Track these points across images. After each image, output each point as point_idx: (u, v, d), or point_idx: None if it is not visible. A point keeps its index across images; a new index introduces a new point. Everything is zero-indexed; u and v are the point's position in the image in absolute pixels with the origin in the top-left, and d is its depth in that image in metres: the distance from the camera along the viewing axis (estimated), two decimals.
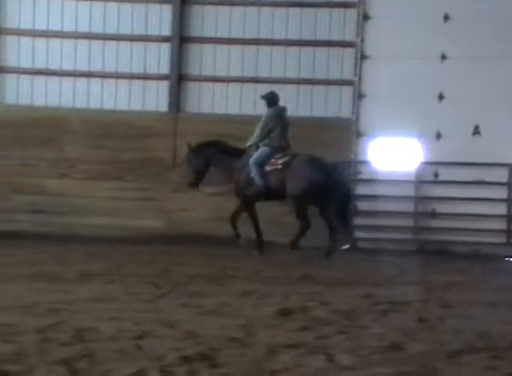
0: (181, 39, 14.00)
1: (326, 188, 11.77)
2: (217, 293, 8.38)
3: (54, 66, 14.07)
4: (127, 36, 14.04)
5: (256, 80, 14.12)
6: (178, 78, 14.07)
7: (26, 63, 14.09)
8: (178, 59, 14.04)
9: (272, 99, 12.35)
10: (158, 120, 14.05)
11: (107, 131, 13.77)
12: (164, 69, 14.11)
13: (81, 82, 14.10)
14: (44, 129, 13.80)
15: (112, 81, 14.10)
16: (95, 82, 14.08)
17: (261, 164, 12.04)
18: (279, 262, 11.53)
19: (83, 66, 14.08)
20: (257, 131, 12.25)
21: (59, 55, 14.06)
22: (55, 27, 14.03)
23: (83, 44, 14.05)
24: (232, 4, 14.10)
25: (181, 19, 13.96)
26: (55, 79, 14.10)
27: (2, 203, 13.66)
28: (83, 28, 14.02)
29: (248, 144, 12.36)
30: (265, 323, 6.58)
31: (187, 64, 14.15)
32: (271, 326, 6.43)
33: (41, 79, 14.12)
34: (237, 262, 11.41)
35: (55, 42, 14.05)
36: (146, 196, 13.89)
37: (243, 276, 9.88)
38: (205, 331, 6.19)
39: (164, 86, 14.08)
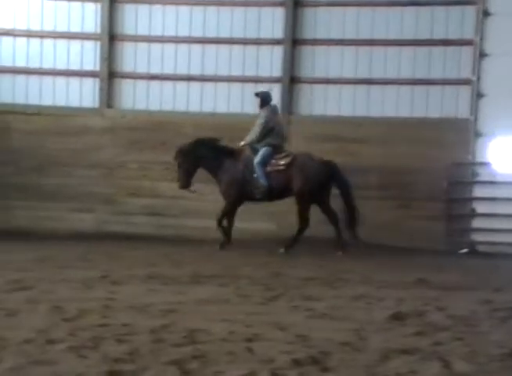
0: (293, 41, 13.98)
1: (330, 185, 12.17)
2: (329, 296, 8.29)
3: (168, 70, 14.30)
4: (240, 39, 14.13)
5: (370, 81, 13.96)
6: (290, 81, 14.06)
7: (142, 69, 14.37)
8: (291, 62, 14.03)
9: (267, 98, 12.42)
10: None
11: (220, 135, 13.86)
12: (277, 72, 14.13)
13: (194, 86, 14.28)
14: (159, 133, 14.04)
15: (225, 84, 14.21)
16: (209, 86, 14.23)
17: (265, 165, 12.07)
18: (393, 265, 11.33)
19: (196, 71, 14.25)
20: (257, 130, 12.22)
21: (174, 60, 14.28)
22: (170, 32, 14.26)
23: (196, 48, 14.23)
24: (345, 5, 13.99)
25: (293, 22, 13.95)
26: (169, 84, 14.32)
27: (120, 206, 13.96)
28: (196, 33, 14.20)
29: (242, 144, 12.37)
30: (377, 327, 6.45)
31: (299, 67, 14.13)
32: (384, 330, 6.30)
33: (156, 84, 14.37)
34: (349, 265, 11.28)
35: (169, 47, 14.28)
36: None
37: (356, 279, 9.74)
38: (316, 335, 6.12)
39: (276, 89, 14.08)
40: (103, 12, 14.20)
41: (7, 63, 14.39)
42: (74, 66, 14.48)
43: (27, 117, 14.28)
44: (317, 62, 14.11)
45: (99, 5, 14.23)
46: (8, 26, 14.33)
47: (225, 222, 12.48)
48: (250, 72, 14.20)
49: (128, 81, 14.45)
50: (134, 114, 14.34)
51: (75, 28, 14.37)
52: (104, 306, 7.69)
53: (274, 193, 12.19)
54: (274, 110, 12.51)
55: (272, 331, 6.36)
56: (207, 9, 14.15)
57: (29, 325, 6.73)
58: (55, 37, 14.37)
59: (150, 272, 9.98)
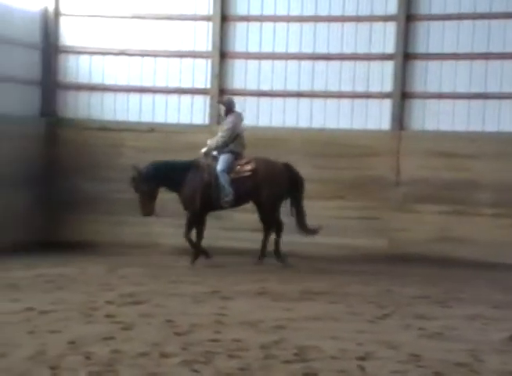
0: (405, 56, 13.85)
1: (297, 189, 12.32)
2: (442, 315, 8.16)
3: (278, 87, 14.39)
4: (350, 55, 14.09)
5: (485, 96, 13.66)
6: (402, 96, 13.91)
7: (252, 86, 14.50)
8: (402, 77, 13.88)
9: (232, 105, 12.39)
10: (380, 138, 13.96)
11: (329, 150, 13.86)
12: (387, 87, 14.00)
13: (304, 102, 14.31)
14: (268, 149, 14.08)
15: (334, 100, 14.19)
16: (318, 102, 14.23)
17: (228, 172, 11.91)
18: (507, 285, 11.03)
19: (305, 87, 14.28)
20: (223, 136, 12.09)
21: (284, 76, 14.36)
22: (281, 49, 14.35)
23: (306, 64, 14.26)
24: (460, 18, 13.75)
25: (405, 36, 13.82)
26: (279, 100, 14.41)
27: (227, 221, 14.08)
28: (307, 49, 14.23)
29: (205, 150, 12.19)
30: (494, 348, 6.31)
31: (411, 81, 13.96)
32: (501, 352, 6.15)
33: (265, 100, 14.48)
34: (462, 283, 11.05)
35: (279, 64, 14.36)
36: (367, 215, 13.81)
37: (469, 298, 9.54)
38: (429, 355, 6.04)
39: (386, 104, 13.97)
40: (215, 30, 14.40)
41: (122, 82, 14.76)
42: (186, 83, 14.73)
43: (139, 134, 14.59)
44: (429, 76, 13.89)
45: (210, 24, 14.45)
46: (123, 46, 14.71)
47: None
48: (360, 87, 14.12)
49: (238, 97, 14.56)
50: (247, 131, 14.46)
51: (187, 47, 14.62)
52: (215, 321, 7.79)
53: (240, 201, 12.17)
54: (240, 117, 12.49)
55: (384, 350, 6.30)
56: (317, 25, 14.17)
57: (143, 338, 6.89)
58: (168, 56, 14.67)
59: (260, 287, 10.05)
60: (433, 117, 13.86)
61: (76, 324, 7.50)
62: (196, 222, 12.27)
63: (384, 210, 13.74)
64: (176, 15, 14.58)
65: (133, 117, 14.80)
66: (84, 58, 14.84)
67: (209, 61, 14.52)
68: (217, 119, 14.05)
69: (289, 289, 9.99)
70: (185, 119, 14.74)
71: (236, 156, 12.17)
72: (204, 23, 14.51)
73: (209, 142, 12.24)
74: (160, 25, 14.67)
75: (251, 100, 14.47)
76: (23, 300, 8.73)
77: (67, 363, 5.94)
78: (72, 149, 14.42)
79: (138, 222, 13.72)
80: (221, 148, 12.09)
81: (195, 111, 14.70)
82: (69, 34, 14.79)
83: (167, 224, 14.04)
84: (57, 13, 14.65)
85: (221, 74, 14.45)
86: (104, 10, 14.73)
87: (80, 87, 14.82)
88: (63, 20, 14.74)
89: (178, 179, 12.02)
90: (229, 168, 11.98)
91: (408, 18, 13.82)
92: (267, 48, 14.39)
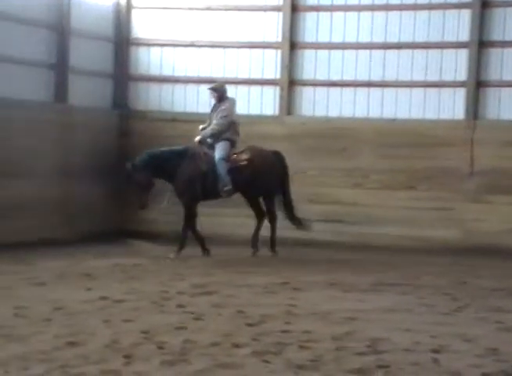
0: (480, 44, 13.55)
1: (285, 178, 12.23)
2: None
3: (349, 77, 14.26)
4: (422, 43, 13.86)
5: None
6: (476, 85, 13.63)
7: (322, 76, 14.40)
8: (477, 65, 13.59)
9: (225, 91, 12.02)
10: (454, 128, 13.72)
11: (401, 141, 13.68)
12: (461, 76, 13.74)
13: (375, 92, 14.14)
14: (338, 140, 14.02)
15: (406, 90, 13.99)
16: (389, 92, 14.06)
17: (226, 161, 11.57)
18: None
19: (376, 76, 14.11)
20: (221, 123, 11.69)
21: (354, 66, 14.22)
22: (351, 38, 14.20)
23: (377, 54, 14.10)
24: None
25: (480, 23, 13.51)
26: (349, 90, 14.28)
27: (299, 212, 13.99)
28: (378, 38, 14.06)
29: (199, 138, 11.77)
30: None
31: (486, 70, 13.66)
32: None
33: (336, 91, 14.36)
34: None
35: (350, 54, 14.22)
36: (440, 206, 13.59)
37: None
38: (508, 348, 5.89)
39: (460, 93, 13.71)
40: (285, 21, 14.33)
41: (192, 73, 14.82)
42: (256, 74, 14.72)
43: None
44: (505, 64, 13.58)
45: (280, 14, 14.39)
46: (193, 38, 14.77)
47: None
48: (432, 77, 13.89)
49: (308, 88, 14.51)
50: (313, 121, 14.38)
51: (257, 37, 14.60)
52: (286, 312, 7.76)
53: (237, 190, 11.86)
54: (234, 103, 12.12)
55: (459, 343, 6.18)
56: (388, 14, 13.98)
57: (215, 329, 6.90)
58: (237, 47, 14.67)
59: (330, 278, 9.99)
60: (508, 107, 13.55)
61: (148, 314, 7.56)
62: (194, 212, 11.93)
63: (457, 201, 13.51)
64: (246, 5, 14.58)
65: (203, 109, 14.81)
66: (155, 50, 14.96)
67: (279, 52, 14.47)
68: (286, 109, 14.04)
69: (360, 280, 9.90)
70: (254, 110, 14.73)
71: (232, 144, 11.83)
72: (274, 13, 14.47)
73: (207, 129, 11.82)
74: (230, 16, 14.68)
75: (321, 91, 14.39)
76: (97, 289, 8.85)
77: (141, 352, 5.97)
78: (143, 140, 14.50)
79: (209, 212, 13.78)
80: (218, 136, 11.69)
81: (265, 102, 14.68)
82: (140, 27, 14.93)
83: (238, 214, 14.06)
84: (129, 6, 14.80)
85: (290, 64, 14.39)
86: (175, 2, 14.82)
87: (151, 79, 14.95)
88: (134, 13, 14.88)
89: (173, 168, 11.61)
90: (227, 157, 11.64)
91: (483, 4, 13.51)
92: (337, 38, 14.27)
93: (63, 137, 13.27)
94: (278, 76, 14.52)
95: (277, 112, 14.57)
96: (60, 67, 13.43)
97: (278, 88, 14.52)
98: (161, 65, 14.99)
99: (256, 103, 14.74)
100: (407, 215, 13.40)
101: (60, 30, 13.38)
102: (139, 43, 14.96)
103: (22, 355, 5.76)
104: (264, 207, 12.28)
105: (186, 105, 14.93)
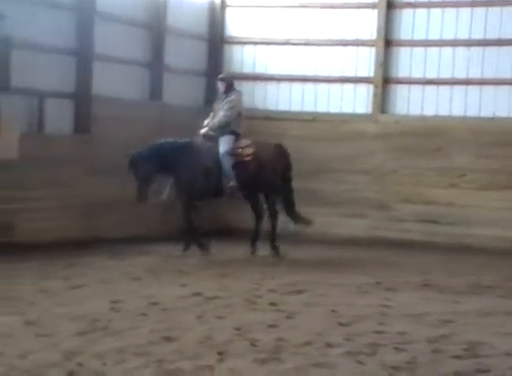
0: None
1: (288, 172, 11.70)
2: None
3: (445, 75, 13.99)
4: (508, 41, 13.47)
5: None
6: None
7: (417, 73, 14.19)
8: None
9: (233, 83, 11.47)
10: None
11: (499, 140, 13.34)
12: None
13: (472, 90, 13.84)
14: (433, 139, 13.78)
15: (506, 87, 13.61)
16: (488, 90, 13.72)
17: (230, 155, 11.00)
18: None
19: (475, 74, 13.79)
20: (227, 115, 11.14)
21: (451, 63, 13.94)
22: (449, 35, 13.93)
23: (476, 51, 13.75)
24: None
25: None
26: (446, 88, 14.02)
27: (392, 212, 13.88)
28: (477, 35, 13.72)
29: (204, 131, 11.24)
30: None
31: None
32: None
33: (432, 89, 14.12)
34: None
35: (447, 51, 13.95)
36: None
37: None
38: None
39: None
40: (380, 18, 14.17)
41: (285, 71, 14.81)
42: (349, 72, 14.61)
43: (302, 123, 14.60)
44: None
45: (375, 11, 14.24)
46: (287, 36, 14.76)
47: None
48: None
49: (403, 86, 14.31)
50: (407, 120, 14.18)
51: (351, 35, 14.49)
52: (379, 313, 7.67)
53: (242, 186, 11.13)
54: (241, 96, 11.57)
55: None
56: (488, 10, 13.65)
57: (307, 327, 6.87)
58: (331, 45, 14.59)
59: (424, 280, 9.84)
60: None
61: (241, 311, 7.61)
62: (191, 209, 11.29)
63: None
64: (340, 3, 14.49)
65: (296, 107, 14.84)
66: (248, 48, 15.03)
67: (373, 49, 14.33)
68: (380, 108, 13.88)
69: (455, 282, 9.71)
70: (347, 108, 14.64)
71: (236, 137, 11.25)
72: (369, 10, 14.34)
73: (214, 121, 11.28)
74: (324, 14, 14.63)
75: (416, 89, 14.19)
76: (191, 285, 8.96)
77: (234, 349, 6.02)
78: None
79: (300, 210, 13.76)
80: (224, 128, 11.14)
81: (358, 100, 14.56)
82: (234, 25, 15.02)
83: (333, 214, 14.03)
84: (223, 5, 14.91)
85: (385, 62, 14.23)
86: (269, 0, 14.83)
87: (244, 77, 14.98)
88: (229, 11, 14.98)
89: (175, 162, 11.03)
90: (231, 150, 11.08)
91: None
92: (434, 35, 14.02)
93: (158, 135, 13.42)
94: (372, 74, 14.38)
95: (370, 110, 14.42)
96: (155, 66, 13.62)
97: (371, 86, 14.38)
98: (254, 63, 15.04)
99: (349, 101, 14.64)
100: (504, 216, 13.07)
101: (156, 29, 13.57)
102: (233, 41, 15.05)
103: (118, 348, 5.88)
104: (264, 205, 11.73)
105: (279, 103, 14.94)
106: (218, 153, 11.02)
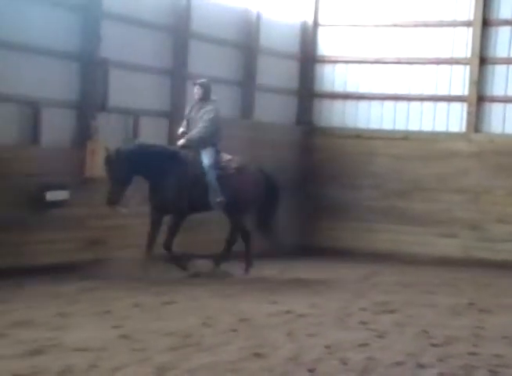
0: None
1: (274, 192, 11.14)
2: None
3: None
4: None
5: None
6: None
7: None
8: None
9: (210, 91, 10.46)
10: None
11: None
12: None
13: None
14: None
15: None
16: None
17: (215, 169, 10.26)
18: None
19: None
20: (206, 127, 10.23)
21: None
22: None
23: None
24: None
25: None
26: None
27: (486, 232, 13.64)
28: None
29: (182, 142, 10.33)
30: None
31: None
32: None
33: None
34: None
35: None
36: None
37: None
38: None
39: None
40: (475, 36, 13.98)
41: (376, 90, 14.75)
42: (442, 91, 14.45)
43: (393, 142, 14.51)
44: None
45: (470, 29, 14.05)
46: (378, 54, 14.71)
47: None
48: None
49: (498, 104, 14.08)
50: (503, 139, 13.93)
51: (444, 53, 14.34)
52: (473, 334, 7.54)
53: (228, 203, 10.34)
54: (218, 104, 10.62)
55: None
56: None
57: (398, 348, 6.80)
58: (424, 63, 14.47)
59: None
60: None
61: (331, 329, 7.58)
62: (180, 225, 10.38)
63: None
64: (434, 21, 14.39)
65: (387, 125, 14.76)
66: (340, 67, 15.04)
67: (467, 67, 14.16)
68: (474, 126, 13.68)
69: None
70: (440, 127, 14.49)
71: (218, 150, 10.49)
72: (464, 28, 14.17)
73: (192, 133, 10.38)
74: (417, 32, 14.53)
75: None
76: (281, 303, 8.95)
77: (324, 367, 5.99)
78: (326, 156, 14.63)
79: (391, 229, 13.70)
80: (205, 140, 10.28)
81: (451, 118, 14.40)
82: (326, 44, 15.05)
83: (425, 233, 13.89)
84: (316, 24, 14.95)
85: (479, 80, 14.02)
86: (361, 20, 14.82)
87: (335, 96, 15.02)
88: (320, 31, 15.03)
89: (159, 171, 10.12)
90: (216, 164, 10.35)
91: None
92: None
93: (250, 152, 13.54)
94: (466, 92, 14.20)
95: (464, 129, 14.23)
96: (247, 85, 13.77)
97: (465, 105, 14.20)
98: (346, 82, 15.03)
99: (442, 120, 14.49)
100: None
101: (249, 49, 13.73)
102: (324, 60, 15.08)
103: (209, 364, 5.92)
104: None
105: (370, 121, 14.87)
106: (202, 165, 10.30)
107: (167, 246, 10.24)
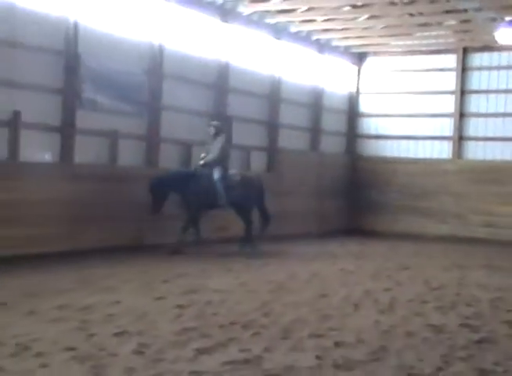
0: None
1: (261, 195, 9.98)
2: None
3: None
4: None
5: None
6: None
7: None
8: None
9: (221, 128, 9.62)
10: None
11: None
12: None
13: None
14: None
15: None
16: None
17: (222, 180, 9.35)
18: None
19: None
20: (217, 153, 9.34)
21: None
22: None
23: None
24: None
25: None
26: None
27: (465, 220, 13.19)
28: None
29: (202, 162, 9.44)
30: None
31: None
32: None
33: None
34: None
35: None
36: None
37: None
38: None
39: None
40: (456, 99, 13.51)
41: (396, 132, 14.44)
42: (436, 132, 13.94)
43: (407, 164, 13.94)
44: None
45: (453, 96, 13.55)
46: (397, 111, 14.38)
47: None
48: None
49: (471, 142, 13.56)
50: (475, 163, 13.43)
51: (438, 110, 13.91)
52: (457, 283, 7.32)
53: (232, 202, 9.46)
54: (228, 139, 9.99)
55: None
56: None
57: (410, 291, 6.66)
58: (426, 116, 14.06)
59: None
60: None
61: (368, 281, 7.51)
62: (195, 218, 9.48)
63: None
64: (431, 90, 13.88)
65: (403, 154, 14.29)
66: (373, 119, 14.73)
67: (452, 119, 13.62)
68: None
69: None
70: (436, 155, 13.97)
71: (226, 168, 9.59)
72: (448, 95, 13.63)
73: (208, 157, 9.48)
74: (421, 97, 14.05)
75: None
76: (337, 264, 8.84)
77: (364, 303, 6.01)
78: (365, 173, 14.50)
79: (407, 218, 13.44)
80: (216, 161, 9.42)
81: (443, 150, 13.80)
82: (364, 104, 14.83)
83: (425, 221, 13.57)
84: (358, 93, 14.80)
85: (460, 127, 13.52)
86: (385, 88, 14.45)
87: (370, 136, 14.83)
88: (362, 96, 14.83)
89: (184, 185, 9.27)
90: (223, 177, 9.45)
91: None
92: None
93: (318, 171, 13.57)
94: (451, 134, 13.64)
95: (451, 156, 13.71)
96: (315, 129, 13.70)
97: (451, 142, 13.63)
98: (377, 127, 14.74)
99: (437, 151, 13.90)
100: None
101: (318, 107, 13.60)
102: (363, 115, 14.90)
103: (294, 301, 5.98)
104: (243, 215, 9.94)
105: (392, 152, 14.44)
106: (213, 178, 9.43)
107: (184, 229, 9.27)
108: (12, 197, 7.57)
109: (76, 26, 8.47)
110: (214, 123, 9.72)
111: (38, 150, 8.30)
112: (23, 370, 3.55)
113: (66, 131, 8.51)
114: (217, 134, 9.60)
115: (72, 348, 4.00)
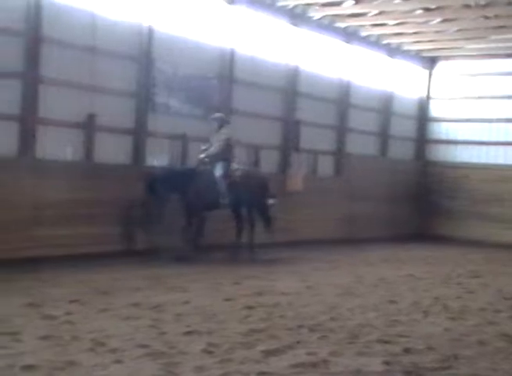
0: None
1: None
2: None
3: None
4: None
5: None
6: None
7: None
8: None
9: (223, 122, 8.73)
10: None
11: None
12: None
13: None
14: None
15: None
16: None
17: (224, 177, 8.50)
18: None
19: None
20: (220, 145, 8.52)
21: None
22: None
23: None
24: None
25: None
26: None
27: None
28: None
29: (203, 156, 8.56)
30: None
31: None
32: None
33: None
34: None
35: None
36: None
37: None
38: None
39: None
40: None
41: (467, 138, 13.98)
42: (509, 138, 13.41)
43: (477, 170, 13.58)
44: None
45: None
46: (467, 115, 13.89)
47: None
48: None
49: None
50: None
51: (505, 115, 13.35)
52: None
53: (232, 201, 8.61)
54: (230, 131, 8.90)
55: None
56: None
57: (482, 300, 6.46)
58: (498, 122, 13.55)
59: None
60: None
61: (438, 287, 7.37)
62: (196, 220, 8.68)
63: None
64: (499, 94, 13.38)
65: (474, 160, 13.88)
66: (443, 124, 14.33)
67: None
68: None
69: None
70: (506, 161, 13.37)
71: (229, 163, 8.75)
72: None
73: (210, 150, 8.67)
74: (493, 101, 13.57)
75: None
76: (406, 269, 8.71)
77: (433, 310, 5.88)
78: (435, 179, 14.15)
79: (478, 224, 12.97)
80: (218, 155, 8.62)
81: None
82: (435, 110, 14.44)
83: (495, 227, 13.03)
84: (428, 97, 14.45)
85: None
86: (455, 93, 14.04)
87: (441, 141, 14.45)
88: (432, 101, 14.46)
89: (185, 185, 8.44)
90: (226, 174, 8.63)
91: None
92: None
93: (387, 177, 13.34)
94: None
95: None
96: (385, 135, 13.48)
97: None
98: (448, 133, 14.35)
99: (507, 157, 13.40)
100: None
101: (387, 113, 13.32)
102: (434, 120, 14.51)
103: (361, 305, 5.90)
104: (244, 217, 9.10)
105: (462, 158, 14.02)
106: (214, 176, 8.63)
107: (185, 234, 8.53)
108: (89, 195, 7.78)
109: (150, 32, 8.64)
110: (217, 115, 8.91)
111: (111, 152, 8.37)
112: (98, 365, 3.63)
113: (138, 133, 8.66)
114: (220, 126, 8.80)
115: (145, 346, 4.06)
